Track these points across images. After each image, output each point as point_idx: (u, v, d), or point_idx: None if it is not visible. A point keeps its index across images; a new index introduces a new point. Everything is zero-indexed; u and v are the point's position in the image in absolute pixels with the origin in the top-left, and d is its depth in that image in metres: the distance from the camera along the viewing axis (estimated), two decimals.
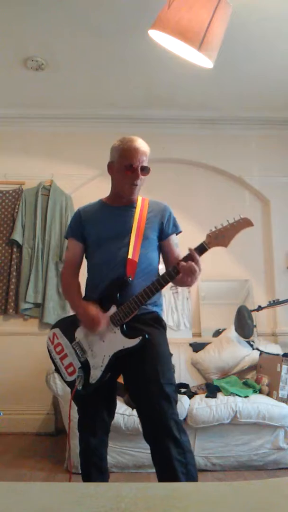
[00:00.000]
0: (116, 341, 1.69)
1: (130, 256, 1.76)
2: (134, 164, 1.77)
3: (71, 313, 1.90)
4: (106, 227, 1.85)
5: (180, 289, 3.68)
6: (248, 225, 1.62)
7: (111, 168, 1.86)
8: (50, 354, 1.86)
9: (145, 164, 1.80)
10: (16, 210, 3.64)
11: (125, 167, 1.78)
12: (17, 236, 3.56)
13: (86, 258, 1.94)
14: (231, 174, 3.95)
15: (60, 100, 3.68)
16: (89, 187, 3.83)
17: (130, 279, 1.72)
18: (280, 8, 2.56)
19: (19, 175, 3.76)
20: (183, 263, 1.60)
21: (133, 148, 1.78)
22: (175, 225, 1.92)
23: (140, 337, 1.65)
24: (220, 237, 1.62)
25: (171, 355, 1.82)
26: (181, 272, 1.61)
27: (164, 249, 1.89)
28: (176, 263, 1.64)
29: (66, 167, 3.81)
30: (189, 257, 1.62)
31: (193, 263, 1.59)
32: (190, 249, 1.63)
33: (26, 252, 3.59)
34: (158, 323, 1.79)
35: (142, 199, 1.91)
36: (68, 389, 1.88)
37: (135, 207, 1.87)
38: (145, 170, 1.80)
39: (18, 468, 2.59)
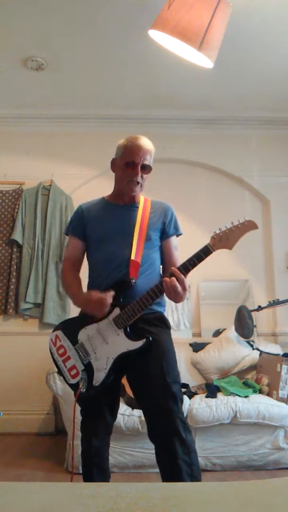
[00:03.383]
0: (120, 344, 1.68)
1: (133, 257, 1.75)
2: (135, 161, 1.76)
3: (72, 313, 1.89)
4: (108, 226, 1.84)
5: None
6: (253, 227, 1.61)
7: (114, 164, 1.86)
8: (52, 356, 1.85)
9: (147, 162, 1.79)
10: (16, 210, 3.64)
11: (126, 164, 1.78)
12: (17, 236, 3.56)
13: (87, 256, 1.93)
14: (231, 174, 3.95)
15: (60, 100, 3.68)
16: (89, 187, 3.83)
17: (134, 281, 1.71)
18: (280, 8, 2.56)
19: (19, 175, 3.76)
20: (167, 279, 1.59)
21: (136, 145, 1.78)
22: (176, 227, 1.91)
23: (144, 340, 1.64)
24: (225, 239, 1.59)
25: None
26: (164, 288, 1.60)
27: (163, 250, 1.88)
28: (161, 280, 1.62)
29: (66, 167, 3.81)
30: (173, 275, 1.60)
31: (175, 281, 1.57)
32: (172, 269, 1.61)
33: (26, 252, 3.59)
34: (162, 323, 1.79)
35: (145, 199, 1.90)
36: (69, 389, 1.87)
37: (137, 207, 1.86)
38: (146, 168, 1.79)
39: (18, 468, 2.59)
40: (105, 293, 1.69)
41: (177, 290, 1.58)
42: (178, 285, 1.58)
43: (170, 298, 1.65)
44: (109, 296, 1.69)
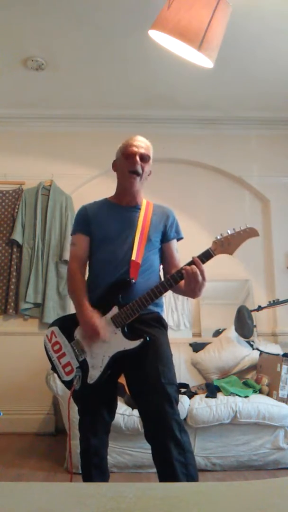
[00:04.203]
0: (117, 343, 1.69)
1: (133, 257, 1.76)
2: (132, 151, 1.82)
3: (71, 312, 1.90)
4: (111, 227, 1.85)
5: None
6: (254, 235, 1.66)
7: (115, 165, 1.92)
8: (47, 353, 1.85)
9: (144, 151, 1.84)
10: (16, 210, 3.64)
11: (125, 156, 1.84)
12: (17, 236, 3.56)
13: (89, 255, 1.94)
14: (231, 174, 3.95)
15: (60, 100, 3.68)
16: (89, 187, 3.83)
17: (133, 281, 1.73)
18: (279, 8, 2.56)
19: (19, 175, 3.75)
20: (187, 267, 1.61)
21: (132, 139, 1.87)
22: (177, 231, 1.93)
23: (141, 340, 1.65)
24: (226, 244, 1.64)
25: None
26: (184, 277, 1.61)
27: (164, 253, 1.90)
28: (181, 268, 1.64)
29: (66, 167, 3.81)
30: (193, 263, 1.62)
31: (196, 268, 1.59)
32: (194, 258, 1.63)
33: (26, 252, 3.59)
34: (159, 323, 1.80)
35: (147, 202, 1.92)
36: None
37: (140, 209, 1.88)
38: (144, 158, 1.83)
39: (18, 468, 2.59)
40: (103, 326, 1.69)
41: (198, 278, 1.58)
42: (198, 272, 1.59)
43: (188, 288, 1.63)
44: (106, 330, 1.69)
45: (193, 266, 1.60)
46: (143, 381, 1.64)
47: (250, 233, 1.66)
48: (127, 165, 1.83)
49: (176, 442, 1.54)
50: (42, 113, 3.78)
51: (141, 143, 1.85)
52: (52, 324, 1.91)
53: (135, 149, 1.82)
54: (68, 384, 1.77)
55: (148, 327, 1.73)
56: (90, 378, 1.70)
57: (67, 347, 1.80)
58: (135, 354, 1.66)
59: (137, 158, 1.81)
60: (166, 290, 1.68)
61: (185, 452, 1.54)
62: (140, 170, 1.83)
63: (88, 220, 1.90)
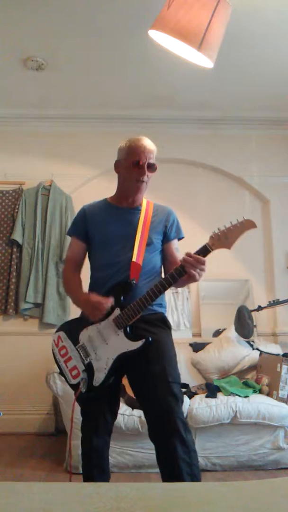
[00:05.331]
0: (120, 344, 1.68)
1: (134, 259, 1.76)
2: (141, 160, 1.78)
3: (72, 313, 1.90)
4: (111, 228, 1.85)
5: (180, 289, 3.68)
6: (252, 226, 1.60)
7: (118, 166, 1.87)
8: (54, 357, 1.86)
9: (152, 161, 1.81)
10: (16, 210, 3.64)
11: (132, 164, 1.80)
12: (17, 236, 3.56)
13: (89, 258, 1.94)
14: (231, 174, 3.95)
15: (60, 100, 3.68)
16: (89, 187, 3.83)
17: (134, 282, 1.73)
18: (279, 8, 2.56)
19: (19, 175, 3.76)
20: (187, 257, 1.58)
21: (140, 145, 1.81)
22: (178, 231, 1.93)
23: (143, 340, 1.64)
24: (223, 238, 1.60)
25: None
26: (185, 266, 1.58)
27: (164, 253, 1.90)
28: (179, 265, 1.62)
29: (66, 167, 3.81)
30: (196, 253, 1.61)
31: (197, 256, 1.58)
32: (187, 254, 1.60)
33: (26, 252, 3.59)
34: (163, 323, 1.81)
35: (147, 202, 1.91)
36: (68, 389, 1.88)
37: (140, 210, 1.87)
38: (151, 167, 1.81)
39: (18, 468, 2.59)
40: (104, 299, 1.69)
41: (198, 266, 1.56)
42: (200, 258, 1.57)
43: (189, 274, 1.60)
44: (108, 302, 1.69)
45: (193, 255, 1.58)
46: (149, 380, 1.64)
47: (248, 225, 1.59)
48: (135, 174, 1.80)
49: (182, 441, 1.54)
50: (42, 113, 3.78)
51: (150, 153, 1.80)
52: (59, 329, 1.90)
53: (144, 159, 1.78)
54: (74, 387, 1.77)
55: (152, 327, 1.74)
56: (95, 381, 1.70)
57: (73, 351, 1.79)
58: (140, 353, 1.65)
59: (145, 168, 1.79)
60: (165, 289, 1.67)
61: (189, 451, 1.54)
62: (146, 180, 1.82)
63: (85, 223, 1.90)
